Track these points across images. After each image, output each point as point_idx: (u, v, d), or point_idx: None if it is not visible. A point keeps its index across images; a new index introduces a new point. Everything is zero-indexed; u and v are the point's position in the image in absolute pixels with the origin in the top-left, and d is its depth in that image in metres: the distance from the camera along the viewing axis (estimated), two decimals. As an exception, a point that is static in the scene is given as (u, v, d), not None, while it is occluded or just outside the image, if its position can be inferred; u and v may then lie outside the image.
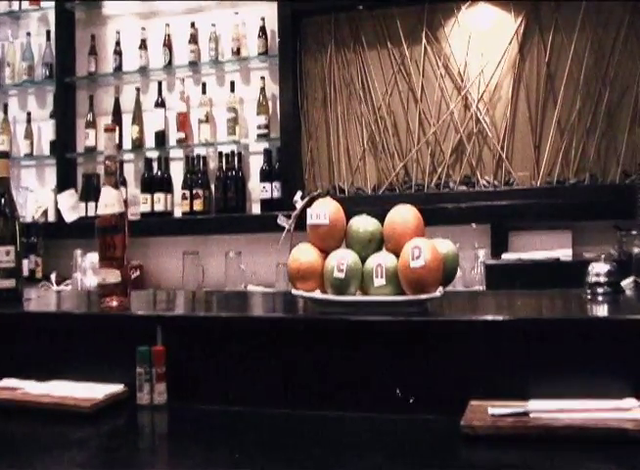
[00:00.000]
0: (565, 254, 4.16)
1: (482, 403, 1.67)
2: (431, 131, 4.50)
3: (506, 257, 4.10)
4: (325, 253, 1.94)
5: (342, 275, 1.86)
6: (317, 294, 1.91)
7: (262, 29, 4.70)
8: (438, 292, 1.85)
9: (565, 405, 1.61)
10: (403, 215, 1.92)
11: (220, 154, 4.78)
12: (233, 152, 4.77)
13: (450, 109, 4.46)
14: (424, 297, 1.83)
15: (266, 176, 4.65)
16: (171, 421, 1.88)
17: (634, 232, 3.96)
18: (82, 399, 1.86)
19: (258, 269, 4.55)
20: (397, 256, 1.87)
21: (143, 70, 4.98)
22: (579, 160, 4.29)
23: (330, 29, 4.69)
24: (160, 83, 4.95)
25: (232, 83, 4.77)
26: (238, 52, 4.75)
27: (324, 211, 1.95)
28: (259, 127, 4.69)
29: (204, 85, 4.84)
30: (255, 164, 4.79)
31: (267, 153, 4.69)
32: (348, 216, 2.00)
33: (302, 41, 4.74)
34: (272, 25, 4.70)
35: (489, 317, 1.78)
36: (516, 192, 4.31)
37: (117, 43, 5.03)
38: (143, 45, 4.96)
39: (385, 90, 4.60)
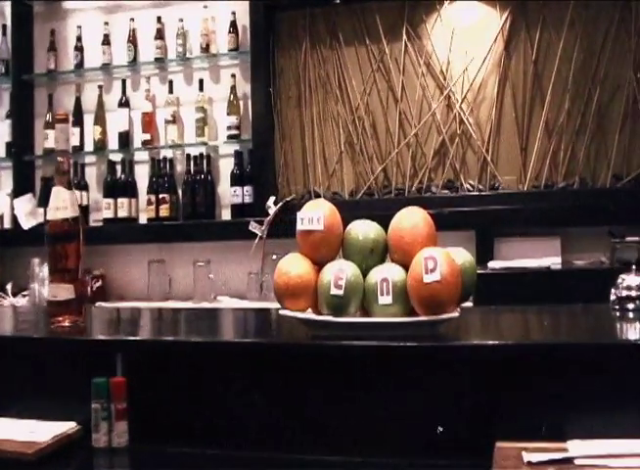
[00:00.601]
0: (553, 261, 3.88)
1: (512, 446, 1.35)
2: (411, 133, 4.19)
3: (492, 265, 3.80)
4: (318, 265, 1.60)
5: (340, 292, 1.52)
6: (310, 314, 1.58)
7: (233, 24, 4.39)
8: (456, 311, 1.53)
9: (614, 448, 1.30)
10: (412, 220, 1.59)
11: (188, 156, 4.48)
12: (202, 154, 4.47)
13: (432, 109, 4.16)
14: (441, 317, 1.50)
15: (237, 180, 4.36)
16: (133, 467, 1.54)
17: (629, 239, 3.69)
18: (24, 442, 1.50)
19: (229, 279, 4.26)
20: (406, 268, 1.55)
21: (106, 68, 4.66)
22: (568, 163, 4.00)
23: (305, 25, 4.37)
24: (123, 81, 4.63)
25: (201, 81, 4.48)
26: (207, 48, 4.44)
27: (317, 214, 1.61)
28: (230, 128, 4.39)
29: (170, 83, 4.53)
30: (226, 167, 4.48)
31: (238, 155, 4.39)
32: (344, 221, 1.67)
33: (276, 37, 4.42)
34: (244, 20, 4.40)
35: (518, 342, 1.47)
36: (501, 197, 4.02)
37: (79, 39, 4.69)
38: (106, 41, 4.63)
39: (363, 89, 4.28)
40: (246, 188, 4.32)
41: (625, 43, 3.93)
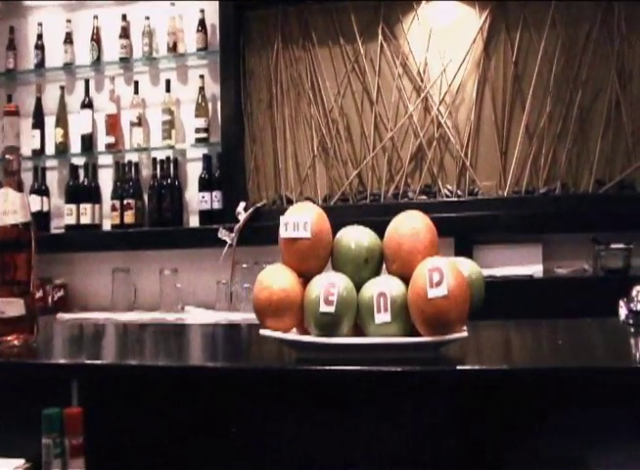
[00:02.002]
0: (535, 269, 3.70)
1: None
2: (387, 136, 3.98)
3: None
4: (305, 277, 1.39)
5: (330, 309, 1.30)
6: (296, 335, 1.36)
7: (202, 23, 4.16)
8: (464, 331, 1.32)
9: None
10: (412, 226, 1.38)
11: (154, 160, 4.24)
12: (168, 158, 4.23)
13: (409, 112, 3.95)
14: (448, 338, 1.28)
15: (205, 185, 4.13)
16: (91, 513, 1.31)
17: (614, 246, 3.52)
18: (-39, 487, 1.27)
19: (197, 289, 4.04)
20: (405, 281, 1.34)
21: (68, 67, 4.40)
22: (549, 167, 3.81)
23: (276, 24, 4.14)
24: (87, 82, 4.37)
25: (167, 82, 4.24)
26: (174, 48, 4.20)
27: (304, 219, 1.39)
28: (198, 131, 4.16)
29: (136, 84, 4.28)
30: (193, 171, 4.24)
31: (207, 159, 4.15)
32: (334, 228, 1.45)
33: (246, 36, 4.19)
34: (213, 19, 4.16)
35: (535, 366, 1.26)
36: (481, 202, 3.81)
37: (39, 37, 4.42)
38: (68, 39, 4.37)
39: (337, 91, 4.06)
40: (214, 193, 4.10)
41: (608, 45, 3.76)
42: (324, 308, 1.31)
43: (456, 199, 3.88)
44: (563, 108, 3.80)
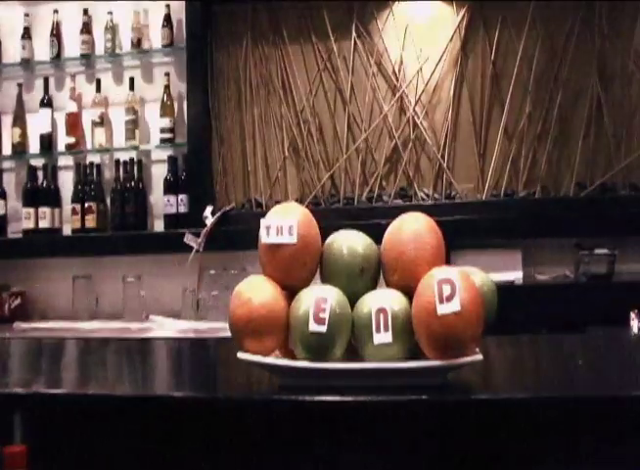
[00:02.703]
0: (515, 276, 3.53)
1: None
2: (361, 137, 3.77)
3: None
4: (289, 290, 1.18)
5: (322, 328, 1.09)
6: (279, 359, 1.15)
7: (167, 18, 3.94)
8: (478, 352, 1.12)
9: None
10: (416, 230, 1.17)
11: (117, 162, 4.02)
12: (132, 159, 4.01)
13: (384, 112, 3.75)
14: (460, 362, 1.08)
15: (171, 188, 3.92)
16: None
17: (598, 251, 3.36)
18: None
19: (162, 296, 3.81)
20: (408, 294, 1.14)
21: (26, 64, 4.16)
22: (529, 170, 3.63)
23: (246, 20, 3.92)
24: (46, 79, 4.13)
25: (131, 80, 4.02)
26: (138, 44, 3.99)
27: (289, 221, 1.18)
28: (163, 131, 3.95)
29: (98, 82, 4.06)
30: (158, 173, 4.02)
31: (172, 161, 3.94)
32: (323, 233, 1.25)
33: (214, 33, 3.96)
34: (179, 14, 3.94)
35: (567, 393, 1.06)
36: (458, 206, 3.63)
37: (-5, 32, 4.18)
38: (26, 34, 4.12)
39: (309, 90, 3.85)
40: (180, 197, 3.89)
41: (589, 44, 3.59)
42: (314, 328, 1.10)
43: (432, 202, 3.69)
44: (543, 108, 3.63)
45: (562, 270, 3.55)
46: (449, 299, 1.06)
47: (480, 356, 1.10)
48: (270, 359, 1.14)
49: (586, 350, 1.52)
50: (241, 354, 1.14)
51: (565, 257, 3.52)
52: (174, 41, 3.96)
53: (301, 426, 1.09)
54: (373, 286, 1.19)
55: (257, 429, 1.10)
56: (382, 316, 1.11)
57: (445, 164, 3.70)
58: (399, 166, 3.76)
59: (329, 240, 1.22)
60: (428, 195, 3.72)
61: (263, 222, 1.20)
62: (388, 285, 1.18)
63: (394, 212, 3.75)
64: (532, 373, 1.31)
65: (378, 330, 1.11)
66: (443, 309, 1.06)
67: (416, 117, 3.73)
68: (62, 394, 1.17)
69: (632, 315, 1.58)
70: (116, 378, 1.39)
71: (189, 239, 3.70)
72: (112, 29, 4.02)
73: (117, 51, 4.06)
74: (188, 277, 3.71)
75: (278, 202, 3.82)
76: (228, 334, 1.19)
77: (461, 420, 1.07)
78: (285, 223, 1.17)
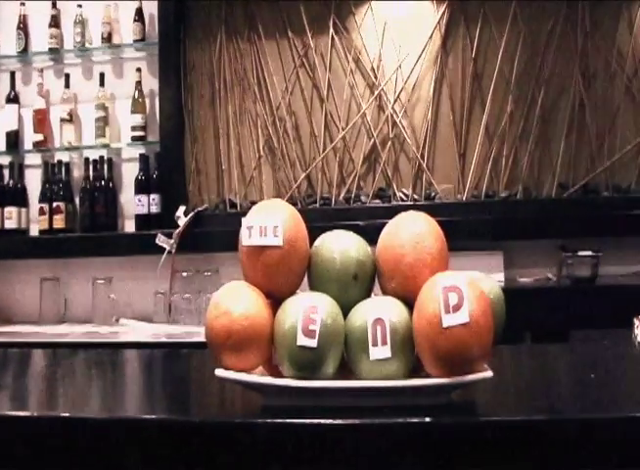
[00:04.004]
0: (496, 279, 3.41)
1: None
2: (339, 136, 3.65)
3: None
4: (274, 298, 1.04)
5: (312, 342, 0.96)
6: (264, 377, 1.01)
7: (139, 12, 3.79)
8: (487, 369, 0.99)
9: None
10: (416, 231, 1.04)
11: (87, 160, 3.87)
12: (102, 158, 3.86)
13: (362, 110, 3.62)
14: (468, 379, 0.95)
15: (142, 188, 3.78)
16: None
17: (582, 253, 3.25)
18: None
19: (133, 299, 3.67)
20: (408, 303, 1.00)
21: (-8, 59, 4.00)
22: (510, 171, 3.52)
23: (220, 14, 3.77)
24: (12, 74, 3.97)
25: (102, 76, 3.87)
26: (109, 38, 3.83)
27: (274, 221, 1.04)
28: (134, 129, 3.80)
29: (67, 77, 3.90)
30: (129, 172, 3.87)
31: (144, 159, 3.80)
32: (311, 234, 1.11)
33: (187, 27, 3.82)
34: (151, 8, 3.79)
35: (588, 414, 0.93)
36: (438, 207, 3.51)
37: (-41, 25, 4.00)
38: (-9, 28, 3.97)
39: (285, 87, 3.71)
40: (152, 196, 3.76)
41: (571, 43, 3.49)
42: (303, 342, 0.96)
43: (412, 203, 3.56)
44: (524, 108, 3.52)
45: (544, 273, 3.44)
46: (456, 309, 0.93)
47: (489, 373, 0.97)
48: (253, 377, 0.99)
49: (596, 361, 1.40)
50: (219, 372, 1.00)
51: (547, 259, 3.41)
52: (146, 36, 3.81)
53: (288, 452, 0.96)
54: (368, 294, 1.06)
55: (238, 456, 0.96)
56: (379, 328, 0.98)
57: (425, 164, 3.58)
58: (378, 166, 3.64)
59: (318, 242, 1.09)
60: (407, 195, 3.60)
61: (245, 222, 1.06)
62: (385, 293, 1.05)
63: (373, 213, 3.66)
64: (546, 390, 1.18)
65: (374, 344, 0.97)
66: (450, 321, 0.93)
67: (395, 116, 3.61)
68: (20, 416, 1.02)
69: (636, 322, 1.46)
70: (81, 397, 1.24)
71: (161, 240, 3.58)
72: (81, 23, 3.86)
73: (87, 45, 3.90)
74: (160, 280, 3.56)
75: (253, 202, 3.69)
76: (203, 338, 1.06)
77: (469, 444, 0.94)
78: (269, 223, 1.04)
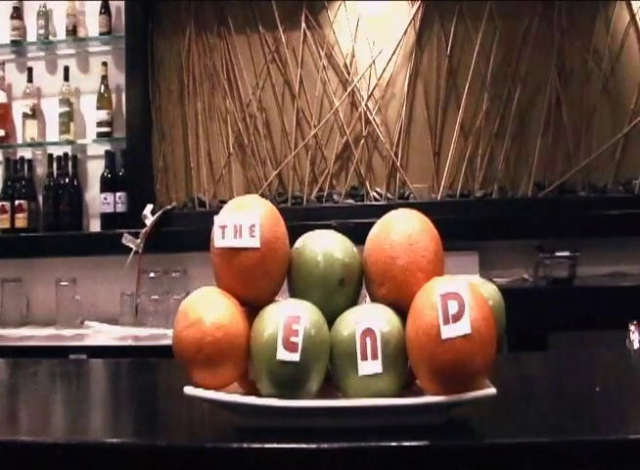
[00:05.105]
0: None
1: None
2: (311, 133, 3.54)
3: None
4: (250, 306, 0.93)
5: (294, 356, 0.84)
6: (239, 395, 0.90)
7: (105, 4, 3.65)
8: (489, 384, 0.89)
9: None
10: (409, 231, 0.93)
11: (50, 157, 3.74)
12: (67, 154, 3.73)
13: (335, 107, 3.52)
14: (471, 396, 0.85)
15: (108, 185, 3.66)
16: None
17: (559, 254, 3.17)
18: None
19: (98, 301, 3.54)
20: (400, 312, 0.90)
21: (-50, 51, 3.84)
22: (486, 169, 3.44)
23: (189, 7, 3.64)
24: (-28, 67, 3.82)
25: (66, 69, 3.73)
26: (74, 31, 3.69)
27: (250, 219, 0.92)
28: (100, 125, 3.68)
29: (30, 71, 3.76)
30: (95, 170, 3.74)
31: (110, 156, 3.68)
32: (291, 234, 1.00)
33: (155, 21, 3.68)
34: (117, 0, 3.67)
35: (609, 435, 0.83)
36: (412, 206, 3.27)
37: None
38: (-49, 19, 3.80)
39: (255, 83, 3.60)
40: (118, 195, 3.64)
41: (548, 40, 3.41)
42: (284, 355, 0.85)
43: (385, 202, 3.47)
44: (500, 105, 3.44)
45: (520, 274, 3.36)
46: (456, 318, 0.83)
47: (492, 390, 0.86)
48: (227, 396, 0.88)
49: (596, 372, 1.30)
50: (189, 390, 0.88)
51: (523, 259, 3.33)
52: (112, 29, 3.68)
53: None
54: (355, 301, 0.95)
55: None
56: (368, 340, 0.87)
57: (399, 163, 3.49)
58: (350, 164, 3.54)
59: (299, 243, 0.97)
60: (380, 194, 3.50)
61: (217, 220, 0.94)
62: (374, 299, 0.94)
63: (345, 212, 3.56)
64: (552, 407, 1.07)
65: (364, 357, 0.86)
66: (449, 332, 0.82)
67: (368, 113, 3.51)
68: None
69: (632, 328, 1.37)
70: (39, 417, 1.10)
71: (127, 240, 3.47)
72: (45, 15, 3.71)
73: (51, 38, 3.75)
74: (126, 280, 3.44)
75: (223, 201, 3.58)
76: (171, 342, 0.94)
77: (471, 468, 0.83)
78: (244, 222, 0.92)
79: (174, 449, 0.86)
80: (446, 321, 0.83)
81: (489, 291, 0.97)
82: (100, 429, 1.04)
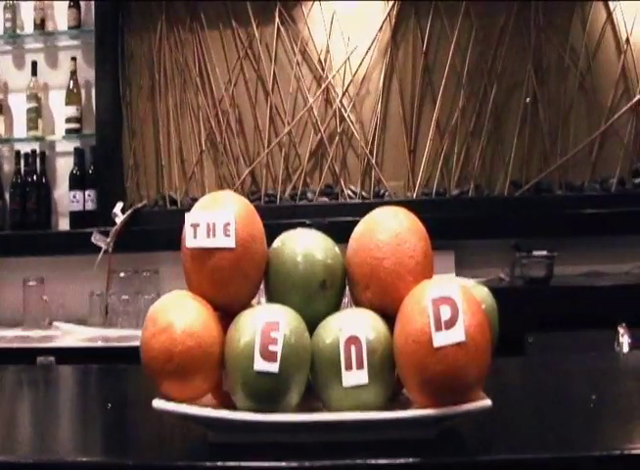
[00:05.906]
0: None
1: None
2: (284, 131, 3.47)
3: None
4: (224, 311, 0.85)
5: (272, 367, 0.77)
6: (212, 409, 0.83)
7: (74, -3, 3.58)
8: (484, 396, 0.82)
9: None
10: (396, 230, 0.86)
11: (18, 153, 3.64)
12: (34, 151, 3.64)
13: (309, 104, 3.45)
14: (465, 409, 0.78)
15: (77, 183, 3.57)
16: None
17: (536, 253, 3.12)
18: None
19: (67, 301, 3.44)
20: (387, 317, 0.83)
21: None
22: (462, 168, 3.38)
23: (160, 2, 3.56)
24: (-63, 62, 3.71)
25: (34, 64, 3.63)
26: (42, 25, 3.60)
27: (224, 217, 0.85)
28: (69, 121, 3.59)
29: (-5, 66, 3.67)
30: (64, 167, 3.65)
31: (79, 153, 3.59)
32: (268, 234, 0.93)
33: (126, 15, 3.59)
34: (87, -7, 3.59)
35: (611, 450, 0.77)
36: (387, 205, 3.30)
37: None
38: None
39: (228, 79, 3.51)
40: (88, 192, 3.56)
41: (524, 37, 3.36)
42: (261, 366, 0.77)
43: (360, 201, 3.41)
44: (476, 103, 3.39)
45: (496, 273, 3.31)
46: (449, 325, 0.76)
47: (487, 402, 0.79)
48: (199, 409, 0.81)
49: (590, 378, 1.23)
50: (158, 403, 0.81)
51: (499, 259, 3.28)
52: (82, 23, 3.59)
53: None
54: (337, 305, 0.88)
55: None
56: (353, 349, 0.79)
57: (374, 161, 3.42)
58: (325, 162, 3.47)
59: (277, 243, 0.90)
60: (355, 193, 3.44)
61: (189, 218, 0.87)
62: (359, 304, 0.87)
63: (319, 211, 3.49)
64: (549, 418, 1.00)
65: (348, 367, 0.79)
66: (442, 340, 0.76)
67: (343, 110, 3.44)
68: None
69: (621, 330, 1.31)
70: (7, 430, 1.02)
71: (97, 239, 3.38)
72: (12, 8, 3.62)
73: (18, 32, 3.66)
74: (96, 280, 3.36)
75: (194, 199, 3.49)
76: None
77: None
78: (218, 220, 0.85)
79: (142, 468, 0.78)
80: (438, 328, 0.76)
81: (482, 294, 0.90)
82: (67, 445, 0.95)
